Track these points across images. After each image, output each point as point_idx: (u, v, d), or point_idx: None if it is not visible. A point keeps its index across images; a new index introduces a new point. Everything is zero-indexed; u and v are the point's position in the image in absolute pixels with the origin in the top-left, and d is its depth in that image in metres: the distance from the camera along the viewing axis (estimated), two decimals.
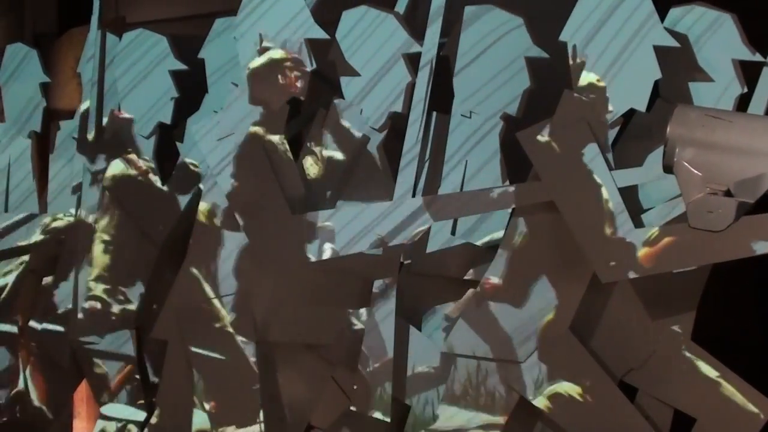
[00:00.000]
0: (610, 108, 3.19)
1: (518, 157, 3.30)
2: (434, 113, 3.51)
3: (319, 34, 3.64)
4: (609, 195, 3.13)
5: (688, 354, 3.18)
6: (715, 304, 3.25)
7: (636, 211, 3.18)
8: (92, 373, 4.08)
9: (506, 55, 3.43)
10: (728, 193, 2.78)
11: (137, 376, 4.02)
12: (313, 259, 3.54)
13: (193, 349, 3.75)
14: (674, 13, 3.23)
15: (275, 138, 3.67)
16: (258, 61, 3.66)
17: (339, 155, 3.63)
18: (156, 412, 3.89)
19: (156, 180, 4.01)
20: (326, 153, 3.65)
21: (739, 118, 2.84)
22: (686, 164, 2.81)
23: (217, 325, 3.73)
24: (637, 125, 3.27)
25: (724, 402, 3.13)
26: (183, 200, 3.96)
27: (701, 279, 3.16)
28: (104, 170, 4.07)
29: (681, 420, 3.22)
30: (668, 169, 2.86)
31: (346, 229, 3.47)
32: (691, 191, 2.81)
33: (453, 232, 3.46)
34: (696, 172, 2.80)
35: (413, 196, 3.45)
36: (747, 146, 2.78)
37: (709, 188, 2.79)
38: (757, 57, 3.16)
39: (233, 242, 3.71)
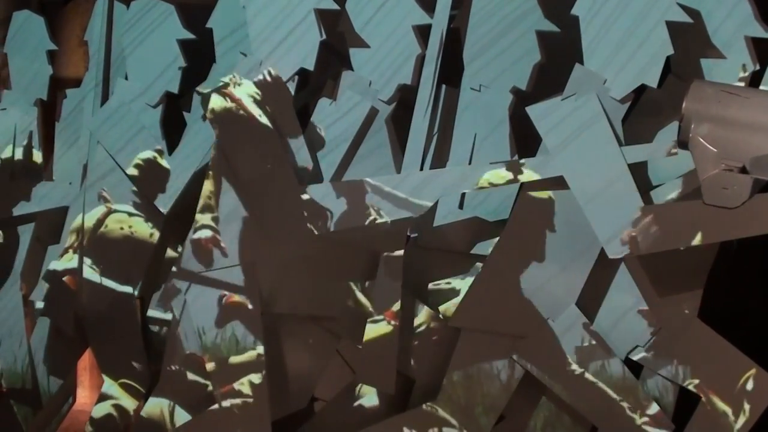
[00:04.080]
0: (621, 83, 3.18)
1: (528, 131, 3.29)
2: (443, 86, 3.50)
3: (329, 4, 3.62)
4: (619, 171, 3.13)
5: (694, 332, 3.18)
6: (723, 282, 3.24)
7: (645, 187, 3.17)
8: (97, 341, 4.09)
9: (517, 29, 3.42)
10: (743, 170, 2.78)
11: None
12: (319, 230, 3.53)
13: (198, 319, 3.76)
14: None
15: (284, 109, 3.65)
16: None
17: (347, 127, 3.62)
18: (160, 383, 3.89)
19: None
20: (334, 125, 3.64)
21: (755, 95, 2.83)
22: (701, 140, 2.81)
23: (223, 296, 3.72)
24: (648, 101, 3.26)
25: (730, 381, 3.13)
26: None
27: (709, 256, 3.15)
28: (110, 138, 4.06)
29: (686, 398, 3.22)
30: (683, 144, 2.86)
31: (354, 200, 3.46)
32: (707, 167, 2.81)
33: (460, 206, 3.45)
34: (711, 148, 2.80)
35: (421, 169, 3.45)
36: (763, 123, 2.77)
37: (724, 164, 2.78)
38: None
39: (239, 213, 3.70)
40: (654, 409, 3.20)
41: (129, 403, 4.02)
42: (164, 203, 3.97)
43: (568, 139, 3.20)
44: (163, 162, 3.96)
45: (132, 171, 3.99)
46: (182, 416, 3.86)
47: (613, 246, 3.13)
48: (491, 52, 3.45)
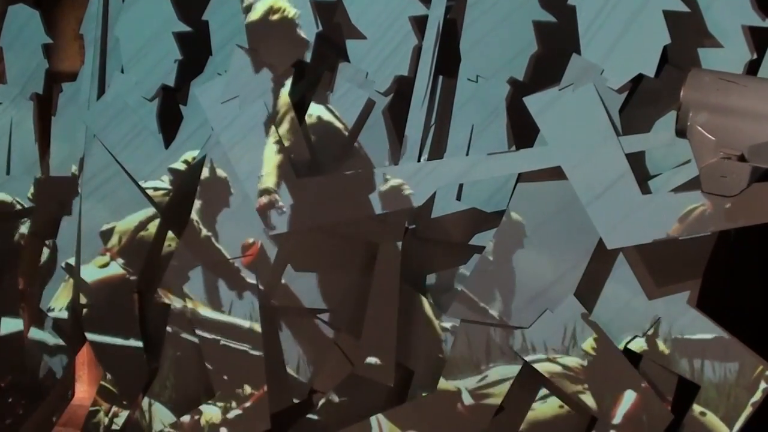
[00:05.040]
0: (618, 73, 3.18)
1: (525, 121, 3.29)
2: (440, 77, 3.49)
3: None
4: (616, 161, 3.13)
5: (693, 321, 3.18)
6: (721, 271, 3.24)
7: (643, 177, 3.17)
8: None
9: (514, 19, 3.42)
10: (742, 158, 2.77)
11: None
12: (317, 223, 3.53)
13: (197, 311, 3.76)
14: None
15: (280, 101, 3.65)
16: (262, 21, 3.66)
17: (344, 119, 3.61)
18: (158, 376, 3.90)
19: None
20: (331, 117, 3.64)
21: (754, 83, 2.83)
22: (700, 128, 2.80)
23: (221, 288, 3.72)
24: (645, 91, 3.25)
25: (729, 370, 3.14)
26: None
27: (707, 246, 3.15)
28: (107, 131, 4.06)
29: (685, 387, 3.22)
30: (681, 133, 2.85)
31: (351, 192, 3.46)
32: (705, 156, 2.80)
33: (458, 197, 3.45)
34: (710, 136, 2.79)
35: (419, 160, 3.44)
36: (762, 111, 2.77)
37: (722, 153, 2.78)
38: (767, 23, 3.14)
39: (237, 205, 3.70)
40: (653, 399, 3.20)
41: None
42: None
43: (565, 130, 3.20)
44: None
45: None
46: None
47: (612, 236, 3.13)
48: (488, 42, 3.44)
